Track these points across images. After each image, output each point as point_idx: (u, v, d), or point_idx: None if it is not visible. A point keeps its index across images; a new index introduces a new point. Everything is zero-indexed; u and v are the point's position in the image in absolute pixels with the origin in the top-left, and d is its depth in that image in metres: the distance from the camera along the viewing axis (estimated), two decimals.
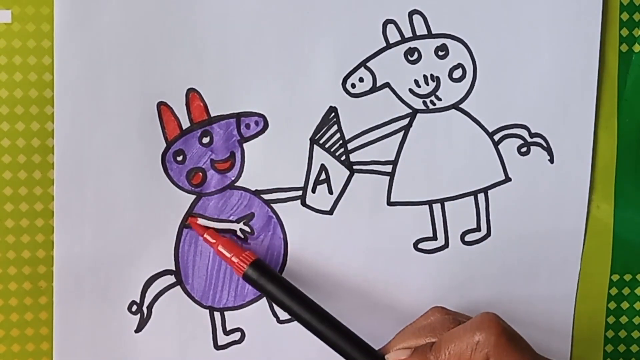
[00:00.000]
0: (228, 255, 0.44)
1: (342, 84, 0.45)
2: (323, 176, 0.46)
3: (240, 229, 0.45)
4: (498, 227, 0.48)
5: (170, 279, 0.45)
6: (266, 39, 0.44)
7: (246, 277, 0.43)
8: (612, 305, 0.50)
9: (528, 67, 0.47)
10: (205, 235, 0.44)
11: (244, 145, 0.45)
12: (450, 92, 0.46)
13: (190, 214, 0.45)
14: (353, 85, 0.45)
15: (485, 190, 0.47)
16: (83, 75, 0.42)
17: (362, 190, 0.46)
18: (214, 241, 0.44)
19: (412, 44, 0.46)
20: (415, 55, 0.46)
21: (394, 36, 0.45)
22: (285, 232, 0.46)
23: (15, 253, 0.43)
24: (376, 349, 0.42)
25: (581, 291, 0.49)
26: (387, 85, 0.46)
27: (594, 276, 0.49)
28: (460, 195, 0.47)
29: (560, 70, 0.47)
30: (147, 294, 0.45)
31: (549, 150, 0.47)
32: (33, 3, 0.42)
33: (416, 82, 0.46)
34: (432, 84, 0.46)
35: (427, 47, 0.46)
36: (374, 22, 0.45)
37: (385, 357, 0.42)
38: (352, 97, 0.45)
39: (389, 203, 0.46)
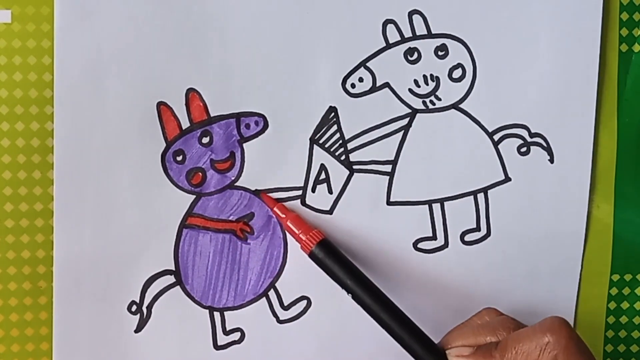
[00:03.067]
0: (296, 231, 0.44)
1: (342, 84, 0.45)
2: (323, 176, 0.46)
3: (240, 229, 0.45)
4: (498, 227, 0.48)
5: (170, 279, 0.45)
6: (266, 38, 0.44)
7: (312, 256, 0.44)
8: (612, 305, 0.50)
9: (528, 67, 0.47)
10: (275, 209, 0.45)
11: (244, 145, 0.45)
12: (450, 92, 0.46)
13: (190, 214, 0.45)
14: (353, 85, 0.45)
15: (485, 190, 0.47)
16: (83, 75, 0.42)
17: (362, 190, 0.46)
18: (284, 215, 0.45)
19: (411, 44, 0.46)
20: (415, 55, 0.46)
21: (393, 36, 0.45)
22: (285, 232, 0.46)
23: (15, 253, 0.43)
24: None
25: (581, 291, 0.49)
26: (386, 85, 0.46)
27: (594, 276, 0.49)
28: (460, 195, 0.47)
29: (560, 70, 0.47)
30: (146, 294, 0.45)
31: (549, 150, 0.47)
32: (33, 3, 0.42)
33: (416, 82, 0.46)
34: (432, 84, 0.46)
35: (426, 47, 0.46)
36: (374, 22, 0.45)
37: (447, 352, 0.42)
38: (352, 97, 0.45)
39: (389, 203, 0.46)
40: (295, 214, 0.45)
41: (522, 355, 0.39)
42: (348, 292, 0.43)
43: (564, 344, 0.38)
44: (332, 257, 0.44)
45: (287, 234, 0.45)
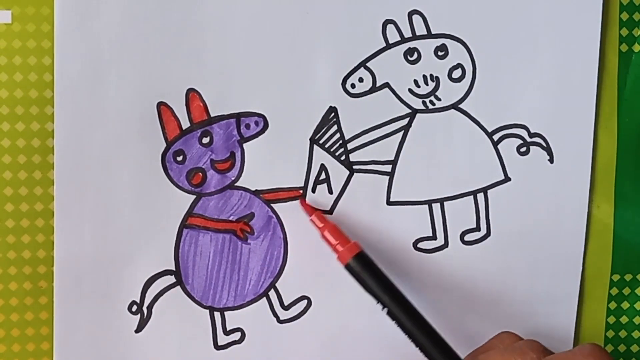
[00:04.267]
0: (334, 242, 0.44)
1: (342, 84, 0.45)
2: (323, 176, 0.46)
3: (241, 229, 0.45)
4: (498, 227, 0.48)
5: (170, 279, 0.45)
6: (266, 39, 0.44)
7: (348, 268, 0.43)
8: (613, 305, 0.50)
9: (528, 67, 0.47)
10: (313, 217, 0.44)
11: (244, 145, 0.45)
12: (449, 92, 0.46)
13: (190, 214, 0.45)
14: (353, 86, 0.45)
15: (484, 190, 0.47)
16: (83, 75, 0.42)
17: (362, 190, 0.46)
18: (322, 225, 0.44)
19: (411, 44, 0.46)
20: (415, 56, 0.46)
21: (393, 36, 0.45)
22: (285, 232, 0.46)
23: (15, 253, 0.43)
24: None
25: (581, 291, 0.49)
26: (386, 85, 0.46)
27: (594, 276, 0.49)
28: (460, 195, 0.47)
29: (560, 70, 0.47)
30: (147, 294, 0.45)
31: (548, 150, 0.47)
32: (33, 3, 0.42)
33: (416, 82, 0.46)
34: (432, 84, 0.46)
35: (426, 47, 0.46)
36: (374, 22, 0.45)
37: None
38: (351, 97, 0.45)
39: (389, 203, 0.46)
40: (333, 223, 0.45)
41: None
42: (383, 307, 0.43)
43: None
44: (369, 271, 0.43)
45: (287, 234, 0.46)
